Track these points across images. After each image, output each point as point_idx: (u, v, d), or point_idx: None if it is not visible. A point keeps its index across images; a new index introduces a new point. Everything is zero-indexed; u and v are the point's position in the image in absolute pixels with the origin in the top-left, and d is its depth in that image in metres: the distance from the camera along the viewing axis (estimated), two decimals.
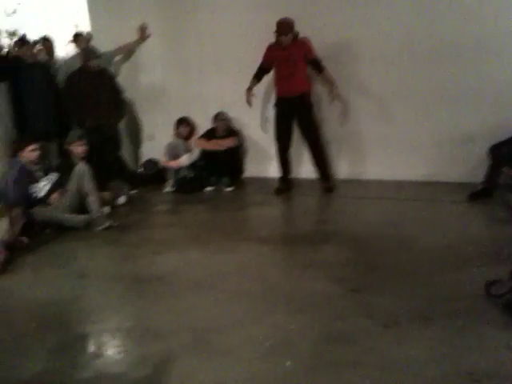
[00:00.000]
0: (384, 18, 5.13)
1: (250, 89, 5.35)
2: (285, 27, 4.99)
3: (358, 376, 2.15)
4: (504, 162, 4.53)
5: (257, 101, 5.56)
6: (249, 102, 5.37)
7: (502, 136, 4.58)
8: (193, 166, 5.79)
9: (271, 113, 5.49)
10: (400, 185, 5.22)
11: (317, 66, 5.16)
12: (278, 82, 5.27)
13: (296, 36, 5.10)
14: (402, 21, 5.08)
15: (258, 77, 5.37)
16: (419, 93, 5.15)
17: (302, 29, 5.11)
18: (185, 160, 5.75)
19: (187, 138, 5.92)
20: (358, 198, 5.01)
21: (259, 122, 5.84)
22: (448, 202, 4.61)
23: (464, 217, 4.27)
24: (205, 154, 5.77)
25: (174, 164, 5.75)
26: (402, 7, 5.06)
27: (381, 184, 5.33)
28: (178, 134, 5.93)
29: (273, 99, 5.43)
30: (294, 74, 5.09)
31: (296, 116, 5.26)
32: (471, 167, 4.97)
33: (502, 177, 4.59)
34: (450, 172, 5.12)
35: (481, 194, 4.56)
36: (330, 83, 5.17)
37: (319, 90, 5.45)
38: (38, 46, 5.82)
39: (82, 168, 4.63)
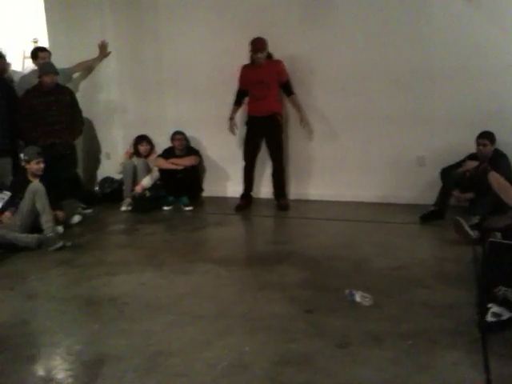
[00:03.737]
0: (338, 45, 5.29)
1: (231, 118, 5.42)
2: (261, 44, 5.06)
3: None
4: (454, 185, 4.71)
5: (216, 121, 5.62)
6: (232, 131, 5.43)
7: (452, 160, 4.79)
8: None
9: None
10: (354, 206, 5.34)
11: (288, 89, 5.26)
12: (251, 101, 5.33)
13: (270, 57, 5.19)
14: (354, 48, 5.25)
15: (239, 102, 5.42)
16: (372, 117, 5.31)
17: None
18: (147, 182, 5.70)
19: (146, 156, 5.89)
20: (313, 219, 5.09)
21: (217, 141, 5.87)
22: (400, 223, 4.73)
23: (415, 238, 4.40)
24: (163, 173, 5.73)
25: (138, 189, 5.66)
26: (354, 36, 5.23)
27: (336, 205, 5.42)
28: (137, 153, 5.88)
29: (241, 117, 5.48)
30: (268, 96, 5.17)
31: (265, 135, 5.33)
32: (423, 189, 5.14)
33: (453, 199, 4.76)
34: (402, 194, 5.27)
35: (432, 216, 4.71)
36: (298, 109, 5.30)
37: (288, 111, 5.53)
38: None
39: (35, 186, 4.53)
